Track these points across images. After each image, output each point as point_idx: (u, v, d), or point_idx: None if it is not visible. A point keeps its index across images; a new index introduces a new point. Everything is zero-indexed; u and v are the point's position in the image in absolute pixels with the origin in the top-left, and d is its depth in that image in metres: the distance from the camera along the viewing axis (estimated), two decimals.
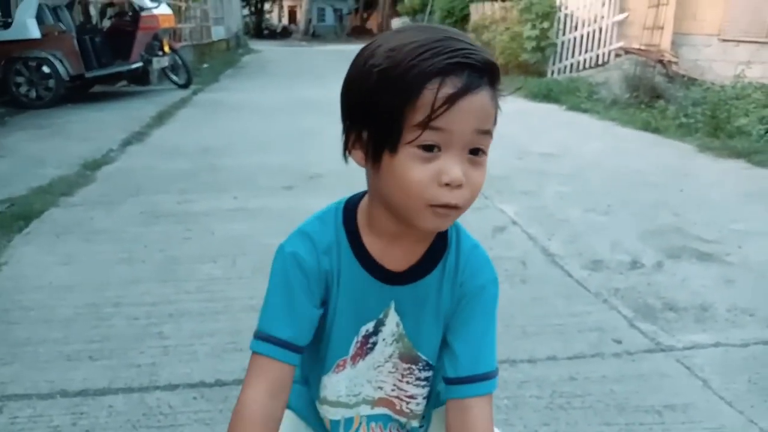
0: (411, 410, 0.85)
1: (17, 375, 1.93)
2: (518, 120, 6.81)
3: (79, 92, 8.29)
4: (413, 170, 0.67)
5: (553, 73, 10.45)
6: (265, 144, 5.41)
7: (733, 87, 7.88)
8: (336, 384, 0.82)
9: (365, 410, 0.84)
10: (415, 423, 0.87)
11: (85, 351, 2.06)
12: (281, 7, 44.54)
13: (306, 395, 0.89)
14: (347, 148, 0.74)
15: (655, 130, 6.14)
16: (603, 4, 10.22)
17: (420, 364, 0.83)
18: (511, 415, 1.73)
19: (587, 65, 10.31)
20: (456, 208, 0.69)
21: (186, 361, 1.99)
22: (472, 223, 3.23)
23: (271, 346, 0.75)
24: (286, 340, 0.75)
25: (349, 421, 0.84)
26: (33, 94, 7.77)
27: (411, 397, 0.84)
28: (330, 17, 42.22)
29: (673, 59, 9.75)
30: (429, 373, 0.84)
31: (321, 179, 4.15)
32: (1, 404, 1.78)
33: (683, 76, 9.33)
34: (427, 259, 0.79)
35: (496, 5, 11.90)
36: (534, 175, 4.32)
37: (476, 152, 0.69)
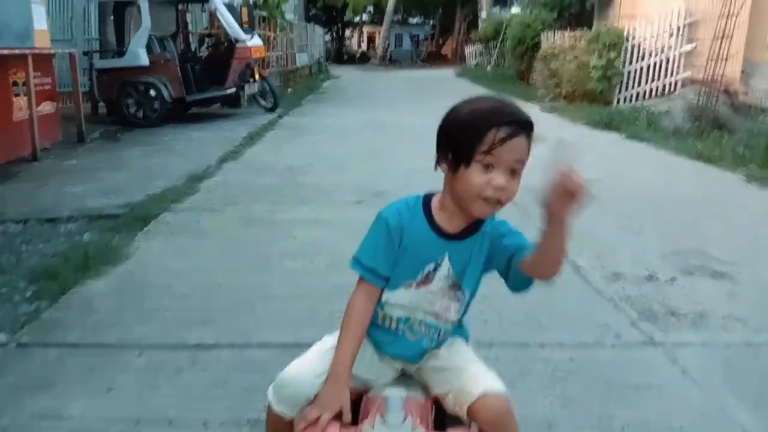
0: (447, 318, 1.37)
1: (150, 332, 2.61)
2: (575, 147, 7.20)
3: (178, 113, 9.36)
4: (477, 177, 1.20)
5: (619, 101, 10.67)
6: (339, 164, 6.10)
7: None
8: (405, 295, 1.35)
9: (419, 315, 1.38)
10: (449, 326, 1.39)
11: (198, 317, 2.72)
12: (361, 33, 46.19)
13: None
14: (438, 162, 1.27)
15: (709, 160, 6.35)
16: (671, 35, 10.39)
17: (458, 288, 1.34)
18: (518, 381, 2.23)
19: (653, 94, 10.47)
20: (498, 203, 1.21)
21: (273, 328, 2.61)
22: None
23: (371, 275, 1.31)
24: (377, 270, 1.31)
25: (408, 319, 1.38)
26: (140, 114, 8.87)
27: (447, 308, 1.36)
28: (407, 43, 43.28)
29: (740, 89, 9.77)
30: (461, 295, 1.35)
31: (386, 195, 4.74)
32: (141, 350, 2.46)
33: (750, 106, 9.33)
34: (470, 228, 1.30)
35: (566, 34, 12.25)
36: None
37: (514, 172, 1.21)
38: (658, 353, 2.47)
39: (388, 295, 1.36)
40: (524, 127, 1.20)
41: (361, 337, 1.33)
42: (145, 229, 3.97)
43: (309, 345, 1.41)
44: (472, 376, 1.31)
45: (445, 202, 1.29)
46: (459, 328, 1.44)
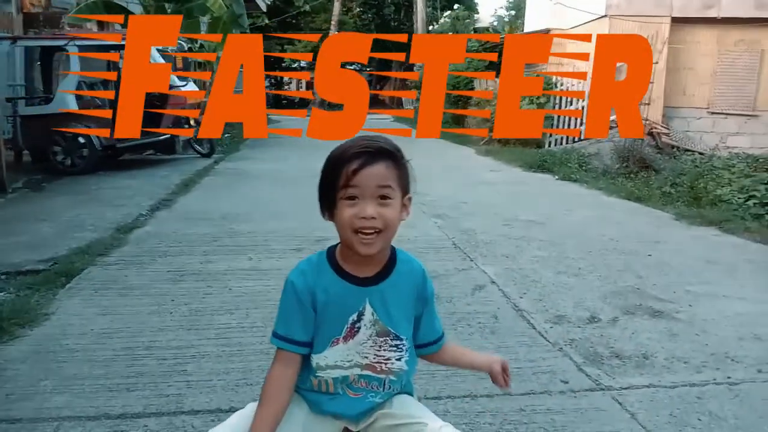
0: (389, 368, 1.32)
1: (68, 402, 2.37)
2: (511, 189, 7.36)
3: (109, 160, 9.00)
4: (344, 212, 1.20)
5: (549, 144, 11.08)
6: (277, 211, 5.95)
7: (719, 157, 8.38)
8: (333, 354, 1.29)
9: (356, 371, 1.31)
10: (393, 377, 1.33)
11: (123, 384, 2.50)
12: (300, 79, 46.61)
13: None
14: (323, 213, 1.28)
15: (638, 199, 6.61)
16: None
17: (390, 336, 1.30)
18: None
19: (582, 137, 10.94)
20: (376, 234, 1.20)
21: (206, 393, 2.42)
22: (456, 283, 3.72)
23: (285, 343, 1.27)
24: (292, 337, 1.26)
25: (345, 378, 1.31)
26: (68, 161, 8.45)
27: (387, 359, 1.31)
28: None
29: (664, 131, 10.35)
30: (398, 341, 1.31)
31: (326, 242, 4.62)
32: (57, 424, 2.22)
33: (673, 147, 9.88)
34: (383, 270, 1.30)
35: (497, 81, 12.71)
36: (516, 241, 4.80)
37: (384, 198, 1.20)
38: (606, 398, 2.43)
39: (317, 360, 1.29)
40: (379, 154, 1.21)
41: (283, 404, 1.25)
42: (67, 285, 3.69)
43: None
44: (434, 429, 1.26)
45: (342, 249, 1.29)
46: (403, 386, 1.38)
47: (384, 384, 1.32)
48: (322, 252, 1.31)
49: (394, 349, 1.30)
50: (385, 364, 1.30)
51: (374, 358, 1.30)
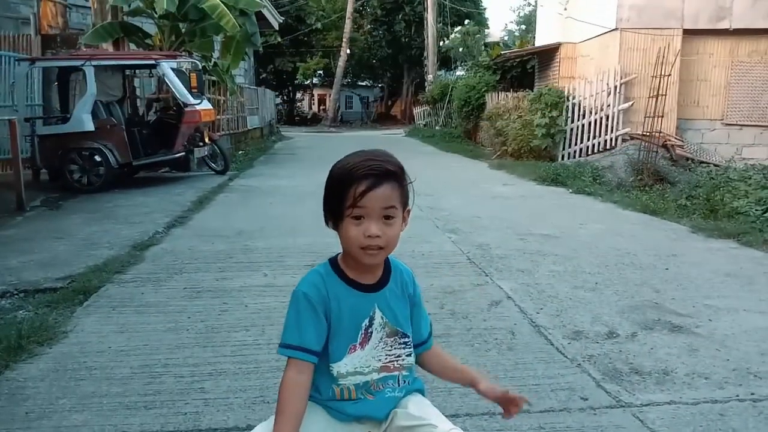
0: (400, 365, 1.39)
1: (87, 420, 2.38)
2: (525, 203, 7.34)
3: (125, 178, 9.11)
4: (350, 230, 1.27)
5: (563, 157, 11.04)
6: (291, 227, 5.97)
7: (735, 169, 8.29)
8: (353, 360, 1.34)
9: (375, 375, 1.37)
10: (405, 372, 1.40)
11: (141, 402, 2.51)
12: (312, 96, 47.05)
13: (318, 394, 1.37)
14: (326, 221, 1.34)
15: (654, 212, 6.55)
16: (609, 94, 10.92)
17: (399, 335, 1.39)
18: None
19: (595, 150, 10.89)
20: (379, 249, 1.27)
21: (223, 410, 2.42)
22: (471, 298, 3.71)
23: (300, 353, 1.29)
24: (307, 347, 1.29)
25: (366, 383, 1.36)
26: (84, 180, 8.58)
27: (398, 357, 1.38)
28: (357, 104, 44.29)
29: (678, 143, 10.28)
30: (405, 339, 1.40)
31: None
32: None
33: (687, 159, 9.80)
34: (383, 276, 1.38)
35: (509, 95, 12.73)
36: (532, 255, 4.77)
37: (388, 218, 1.26)
38: (627, 415, 2.39)
39: (338, 368, 1.34)
40: (385, 176, 1.26)
41: (301, 410, 1.28)
42: (84, 303, 3.72)
43: None
44: None
45: (346, 259, 1.35)
46: (414, 380, 1.44)
47: (398, 380, 1.39)
48: (325, 263, 1.37)
49: (402, 346, 1.39)
50: (397, 361, 1.38)
51: (386, 359, 1.37)
